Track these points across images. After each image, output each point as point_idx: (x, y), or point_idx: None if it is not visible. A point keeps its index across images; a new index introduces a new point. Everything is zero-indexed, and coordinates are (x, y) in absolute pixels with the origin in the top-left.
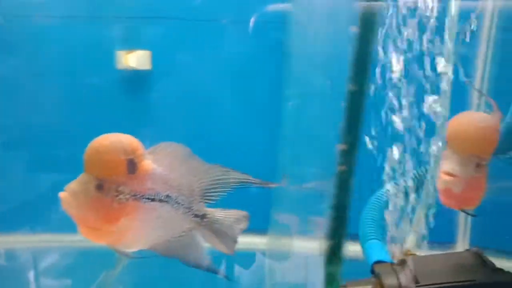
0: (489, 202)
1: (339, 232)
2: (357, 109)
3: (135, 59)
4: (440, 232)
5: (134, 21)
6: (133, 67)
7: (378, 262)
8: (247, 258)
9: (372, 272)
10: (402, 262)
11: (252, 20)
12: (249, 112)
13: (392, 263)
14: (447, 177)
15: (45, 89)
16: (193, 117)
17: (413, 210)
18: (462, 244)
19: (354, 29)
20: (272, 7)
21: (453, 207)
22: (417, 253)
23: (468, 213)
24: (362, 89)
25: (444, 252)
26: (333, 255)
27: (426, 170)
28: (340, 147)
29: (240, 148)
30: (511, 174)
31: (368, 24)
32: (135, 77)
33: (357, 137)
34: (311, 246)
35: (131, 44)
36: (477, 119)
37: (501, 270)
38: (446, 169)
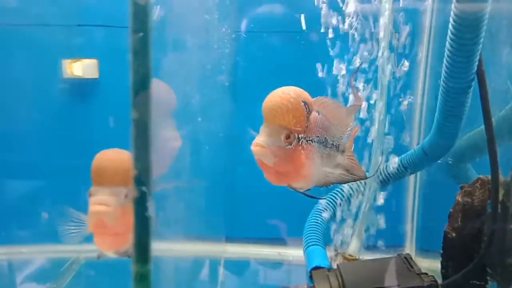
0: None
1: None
2: (144, 138)
3: (80, 68)
4: (390, 236)
5: (82, 30)
6: (79, 76)
7: (316, 268)
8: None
9: (310, 278)
10: (336, 269)
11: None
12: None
13: (328, 269)
14: (255, 148)
15: None
16: None
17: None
18: (410, 247)
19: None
20: None
21: (277, 183)
22: (361, 258)
23: (305, 194)
24: (145, 115)
25: (376, 258)
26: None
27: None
28: (133, 172)
29: None
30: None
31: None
32: (82, 86)
33: (147, 164)
34: None
35: (78, 53)
36: (286, 93)
37: (425, 274)
38: (255, 141)
